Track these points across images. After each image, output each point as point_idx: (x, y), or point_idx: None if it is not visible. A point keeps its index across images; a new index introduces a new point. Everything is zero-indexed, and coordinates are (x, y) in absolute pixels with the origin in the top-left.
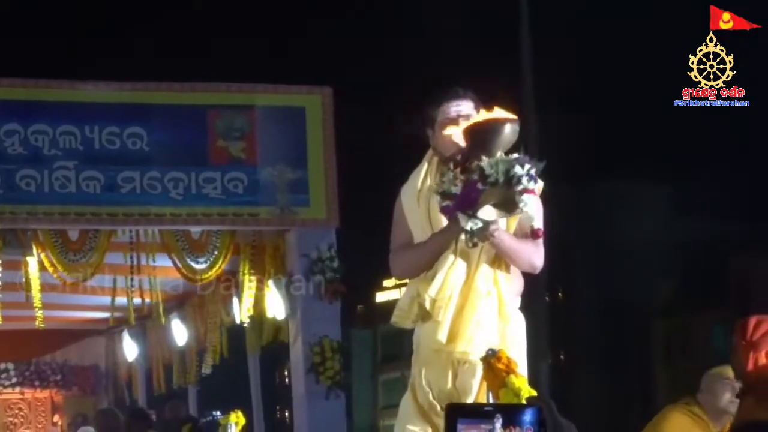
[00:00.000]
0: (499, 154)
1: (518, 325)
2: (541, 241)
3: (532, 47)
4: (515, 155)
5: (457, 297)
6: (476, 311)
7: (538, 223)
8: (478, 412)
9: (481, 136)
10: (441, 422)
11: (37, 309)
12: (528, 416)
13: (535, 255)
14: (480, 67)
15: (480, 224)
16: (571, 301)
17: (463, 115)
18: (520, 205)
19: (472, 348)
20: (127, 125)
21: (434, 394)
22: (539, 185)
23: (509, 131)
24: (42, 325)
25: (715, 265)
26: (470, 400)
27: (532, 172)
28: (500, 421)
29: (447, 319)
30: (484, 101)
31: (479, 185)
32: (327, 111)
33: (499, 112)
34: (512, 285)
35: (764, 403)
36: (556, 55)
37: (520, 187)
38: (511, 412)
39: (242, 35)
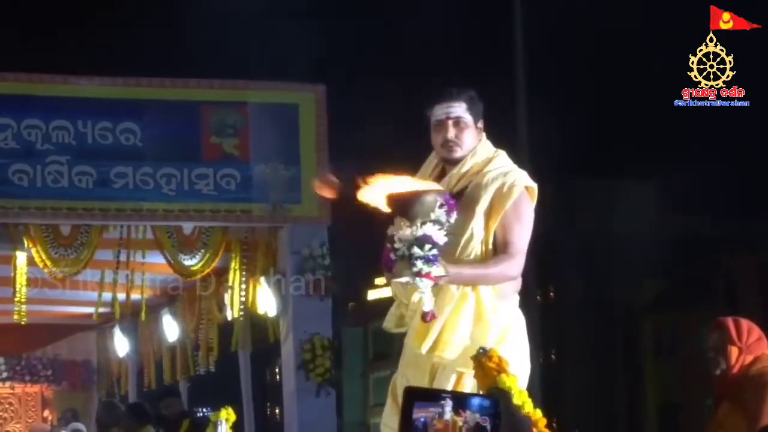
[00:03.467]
0: (418, 224)
1: (501, 325)
2: (516, 250)
3: (528, 44)
4: (424, 232)
5: (447, 307)
6: (448, 316)
7: (429, 305)
8: (434, 397)
9: (402, 205)
10: None
11: (19, 304)
12: (481, 404)
13: (506, 269)
14: (473, 64)
15: (404, 281)
16: (562, 300)
17: (452, 117)
18: (417, 288)
19: (447, 353)
20: (120, 121)
21: None
22: (438, 270)
23: (430, 200)
24: (23, 321)
25: (704, 263)
26: None
27: (431, 254)
28: (450, 404)
29: (417, 323)
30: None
31: (392, 254)
32: (320, 108)
33: (425, 184)
34: (501, 287)
35: (739, 406)
36: (553, 53)
37: (415, 269)
38: (462, 399)
39: (235, 31)
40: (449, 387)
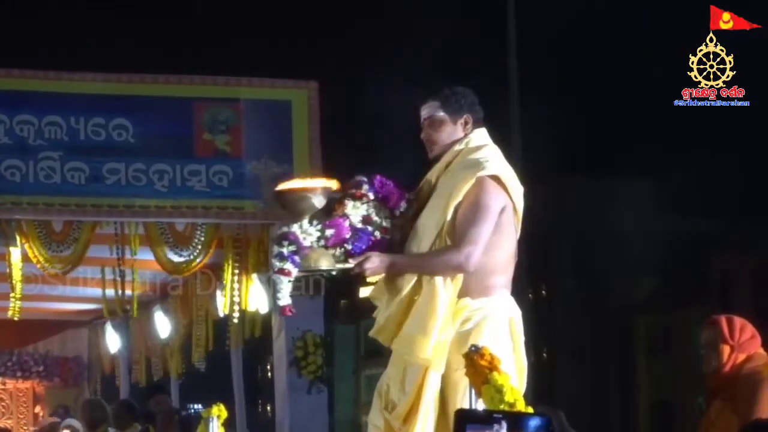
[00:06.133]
0: (306, 221)
1: (473, 320)
2: (466, 240)
3: (522, 42)
4: (289, 230)
5: (403, 297)
6: (405, 311)
7: (284, 300)
8: (486, 419)
9: (287, 202)
10: (389, 417)
11: (15, 300)
12: (533, 421)
13: (450, 259)
14: (466, 63)
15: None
16: (554, 299)
17: (425, 117)
18: (276, 285)
19: (402, 345)
20: (112, 117)
21: (391, 390)
22: (294, 268)
23: (311, 197)
24: (16, 317)
25: (697, 262)
26: (405, 399)
27: (285, 251)
28: (504, 427)
29: (381, 317)
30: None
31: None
32: (313, 105)
33: (310, 181)
34: (477, 281)
35: (730, 404)
36: (549, 52)
37: (274, 266)
38: (515, 417)
39: (230, 27)
40: (415, 381)
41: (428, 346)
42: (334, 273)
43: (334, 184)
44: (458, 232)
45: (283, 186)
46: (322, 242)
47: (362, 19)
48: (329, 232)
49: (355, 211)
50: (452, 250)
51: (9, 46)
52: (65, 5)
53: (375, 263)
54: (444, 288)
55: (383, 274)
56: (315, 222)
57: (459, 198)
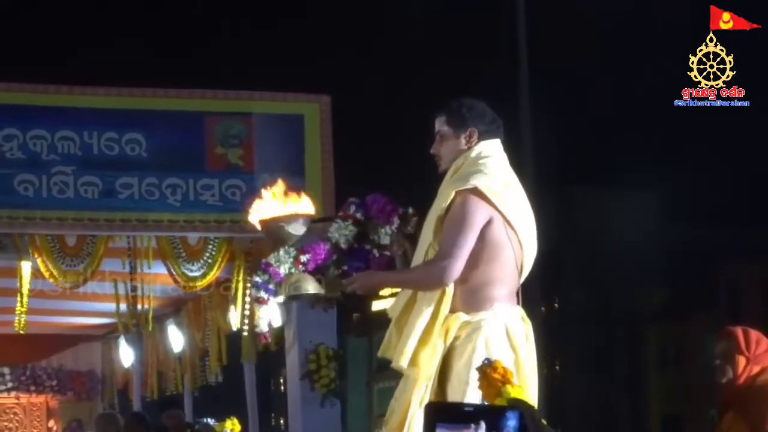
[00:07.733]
0: (281, 249)
1: (464, 334)
2: (443, 253)
3: (529, 45)
4: (265, 260)
5: (399, 313)
6: (401, 325)
7: (261, 327)
8: (458, 413)
9: (267, 231)
10: (386, 430)
11: (20, 314)
12: (511, 421)
13: (429, 272)
14: (477, 75)
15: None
16: (565, 311)
17: (435, 132)
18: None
19: (395, 358)
20: (125, 131)
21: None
22: (274, 298)
23: (291, 229)
24: (23, 331)
25: (707, 272)
26: (398, 411)
27: (260, 280)
28: (483, 428)
29: (388, 332)
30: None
31: None
32: (325, 119)
33: (290, 208)
34: (468, 294)
35: (743, 416)
36: (553, 55)
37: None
38: (492, 416)
39: (242, 41)
40: (407, 394)
41: (404, 357)
42: (329, 294)
43: (310, 210)
44: (439, 247)
45: (258, 218)
46: (302, 268)
47: (373, 33)
48: (305, 257)
49: (341, 233)
50: (430, 265)
51: (22, 60)
52: (77, 19)
53: (364, 281)
54: (426, 302)
55: (383, 290)
56: (291, 249)
57: (440, 212)
